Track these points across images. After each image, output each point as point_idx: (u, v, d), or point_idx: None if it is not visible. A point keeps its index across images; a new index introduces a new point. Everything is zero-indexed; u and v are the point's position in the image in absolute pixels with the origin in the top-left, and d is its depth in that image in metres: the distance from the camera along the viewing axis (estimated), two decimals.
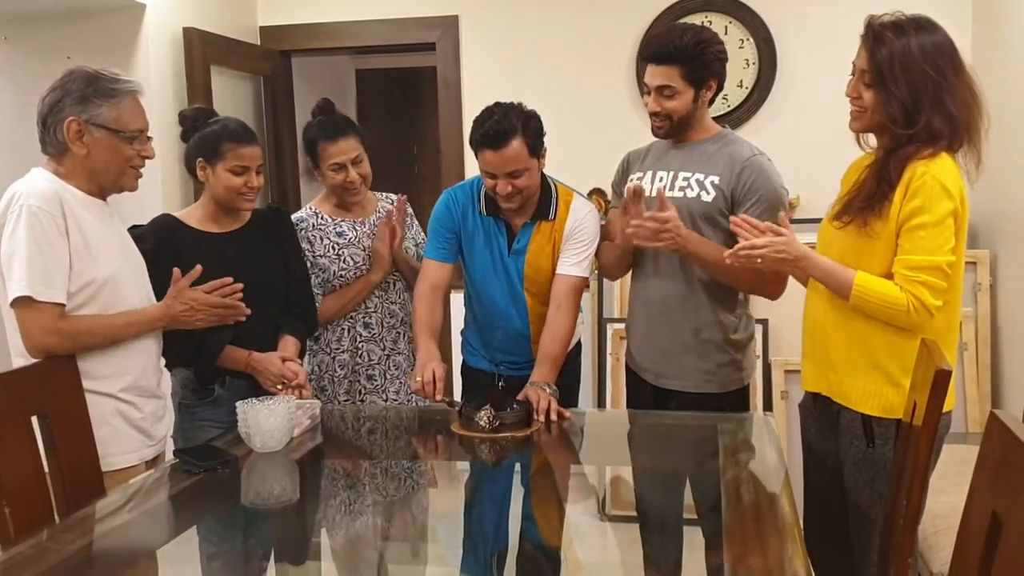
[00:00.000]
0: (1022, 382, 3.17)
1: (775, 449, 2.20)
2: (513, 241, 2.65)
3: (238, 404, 2.23)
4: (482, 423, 2.31)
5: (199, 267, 2.29)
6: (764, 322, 3.86)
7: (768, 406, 3.81)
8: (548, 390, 2.47)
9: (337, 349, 2.90)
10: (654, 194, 2.49)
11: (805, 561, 1.58)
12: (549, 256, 2.65)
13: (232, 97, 4.27)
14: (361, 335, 2.91)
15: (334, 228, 2.87)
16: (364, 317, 2.91)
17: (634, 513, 2.13)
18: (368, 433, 2.63)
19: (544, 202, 2.64)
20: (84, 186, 2.18)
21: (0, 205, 2.11)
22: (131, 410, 2.24)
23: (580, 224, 2.64)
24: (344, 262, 2.85)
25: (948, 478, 2.73)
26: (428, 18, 4.42)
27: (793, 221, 3.94)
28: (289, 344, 2.63)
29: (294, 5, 4.54)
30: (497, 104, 2.52)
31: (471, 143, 2.52)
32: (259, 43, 4.54)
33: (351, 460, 2.39)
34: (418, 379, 2.44)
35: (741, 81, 4.13)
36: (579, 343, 2.85)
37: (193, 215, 2.61)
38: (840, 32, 4.16)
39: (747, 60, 4.13)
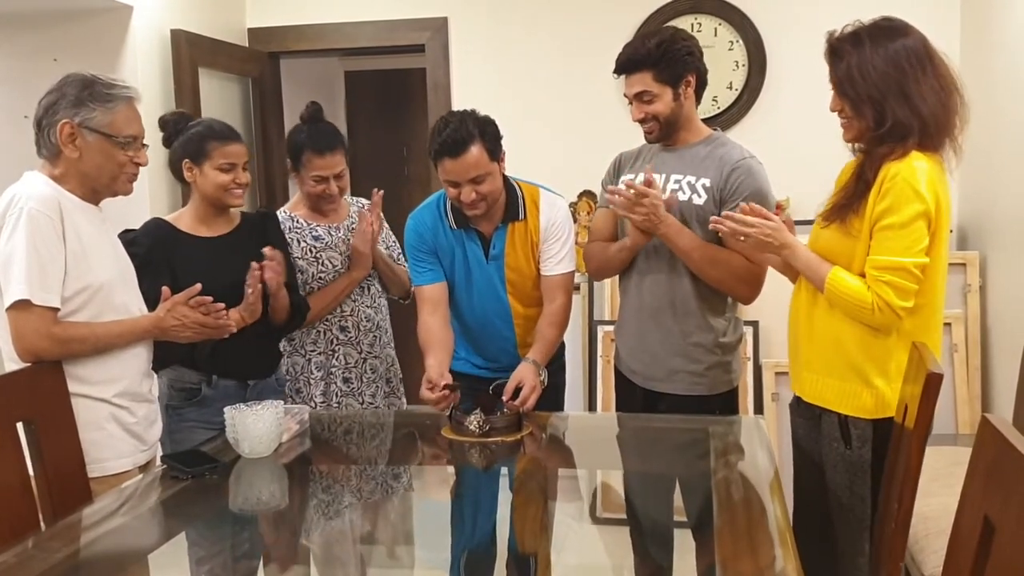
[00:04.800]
0: (1012, 384, 3.18)
1: (766, 451, 2.20)
2: (489, 247, 2.63)
3: (226, 410, 2.22)
4: (472, 427, 2.30)
5: (198, 285, 2.29)
6: (754, 324, 3.86)
7: (759, 408, 3.81)
8: (541, 375, 2.49)
9: (312, 351, 2.92)
10: None
11: (796, 564, 1.58)
12: (528, 256, 2.64)
13: (220, 99, 4.25)
14: (337, 338, 2.93)
15: (310, 232, 2.89)
16: (340, 321, 2.92)
17: (624, 516, 2.13)
18: (357, 438, 2.62)
19: (511, 203, 2.62)
20: (77, 190, 2.17)
21: None
22: (125, 415, 2.23)
23: (554, 220, 2.64)
24: (322, 265, 2.87)
25: (939, 480, 2.74)
26: (417, 20, 4.41)
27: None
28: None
29: (282, 7, 4.52)
30: (451, 113, 2.52)
31: (430, 155, 2.51)
32: (247, 45, 4.52)
33: (340, 465, 2.38)
34: (426, 390, 2.44)
35: (731, 83, 4.13)
36: (563, 345, 2.86)
37: (184, 219, 2.63)
38: None
39: (736, 62, 4.13)
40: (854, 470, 2.14)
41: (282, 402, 2.36)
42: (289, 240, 2.85)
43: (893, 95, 2.03)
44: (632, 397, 2.63)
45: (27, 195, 2.07)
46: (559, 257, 2.64)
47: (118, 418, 2.22)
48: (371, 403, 2.96)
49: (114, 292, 2.20)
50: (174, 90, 3.86)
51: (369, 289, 2.96)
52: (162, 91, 3.83)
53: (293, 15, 4.51)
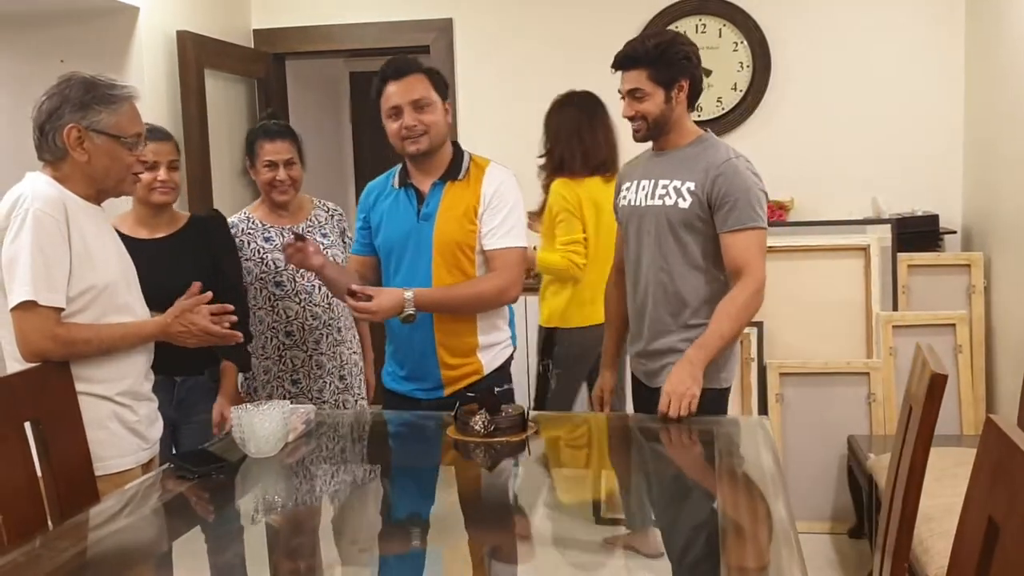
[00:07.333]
0: (1016, 384, 3.18)
1: (770, 452, 2.19)
2: (422, 205, 2.57)
3: (233, 409, 2.23)
4: (477, 427, 2.31)
5: (197, 286, 2.32)
6: (759, 325, 3.86)
7: (763, 408, 3.81)
8: (407, 308, 2.43)
9: (262, 355, 3.01)
10: (637, 203, 2.55)
11: (801, 564, 1.58)
12: (460, 219, 2.53)
13: (225, 100, 4.26)
14: (284, 343, 3.00)
15: (262, 234, 2.97)
16: (285, 326, 3.00)
17: (627, 516, 2.13)
18: (363, 438, 2.63)
19: (455, 163, 2.58)
20: (82, 191, 2.18)
21: (3, 208, 2.10)
22: (127, 413, 2.24)
23: (500, 189, 2.53)
24: (266, 265, 2.95)
25: (943, 481, 2.74)
26: (422, 21, 4.42)
27: (788, 223, 3.96)
28: (228, 373, 2.81)
29: (288, 8, 4.54)
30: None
31: (375, 91, 2.54)
32: (253, 46, 4.53)
33: (346, 465, 2.39)
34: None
35: (735, 84, 4.14)
36: (512, 354, 2.75)
37: (126, 221, 2.71)
38: (833, 35, 4.19)
39: (741, 63, 4.14)
40: None
41: (288, 402, 2.38)
42: (241, 242, 2.94)
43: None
44: (641, 395, 2.66)
45: (32, 196, 2.08)
46: (506, 228, 2.52)
47: (121, 417, 2.23)
48: (319, 398, 3.01)
49: (117, 293, 2.21)
50: (180, 91, 3.87)
51: (320, 288, 2.97)
52: (168, 92, 3.84)
53: (298, 16, 4.53)
